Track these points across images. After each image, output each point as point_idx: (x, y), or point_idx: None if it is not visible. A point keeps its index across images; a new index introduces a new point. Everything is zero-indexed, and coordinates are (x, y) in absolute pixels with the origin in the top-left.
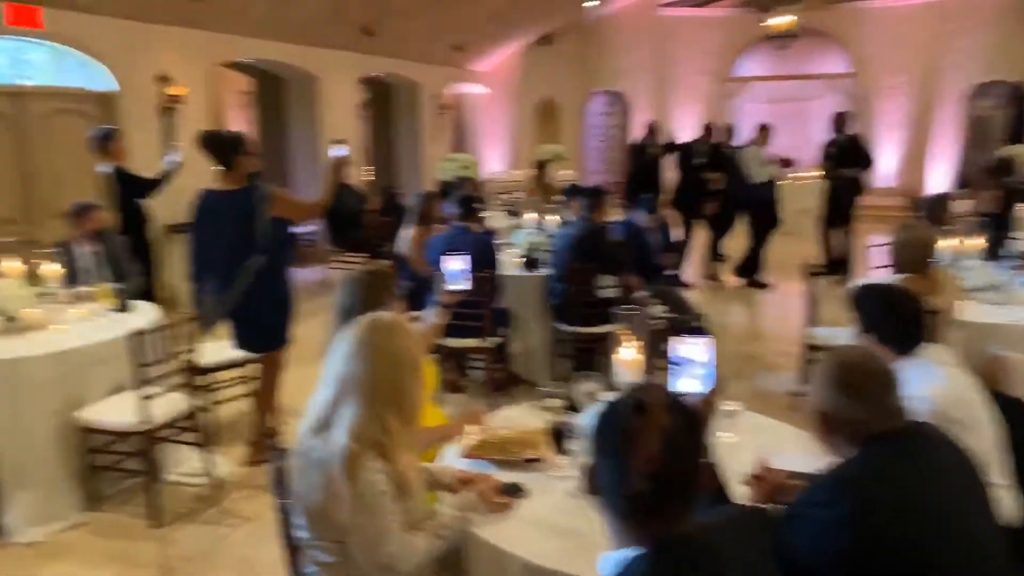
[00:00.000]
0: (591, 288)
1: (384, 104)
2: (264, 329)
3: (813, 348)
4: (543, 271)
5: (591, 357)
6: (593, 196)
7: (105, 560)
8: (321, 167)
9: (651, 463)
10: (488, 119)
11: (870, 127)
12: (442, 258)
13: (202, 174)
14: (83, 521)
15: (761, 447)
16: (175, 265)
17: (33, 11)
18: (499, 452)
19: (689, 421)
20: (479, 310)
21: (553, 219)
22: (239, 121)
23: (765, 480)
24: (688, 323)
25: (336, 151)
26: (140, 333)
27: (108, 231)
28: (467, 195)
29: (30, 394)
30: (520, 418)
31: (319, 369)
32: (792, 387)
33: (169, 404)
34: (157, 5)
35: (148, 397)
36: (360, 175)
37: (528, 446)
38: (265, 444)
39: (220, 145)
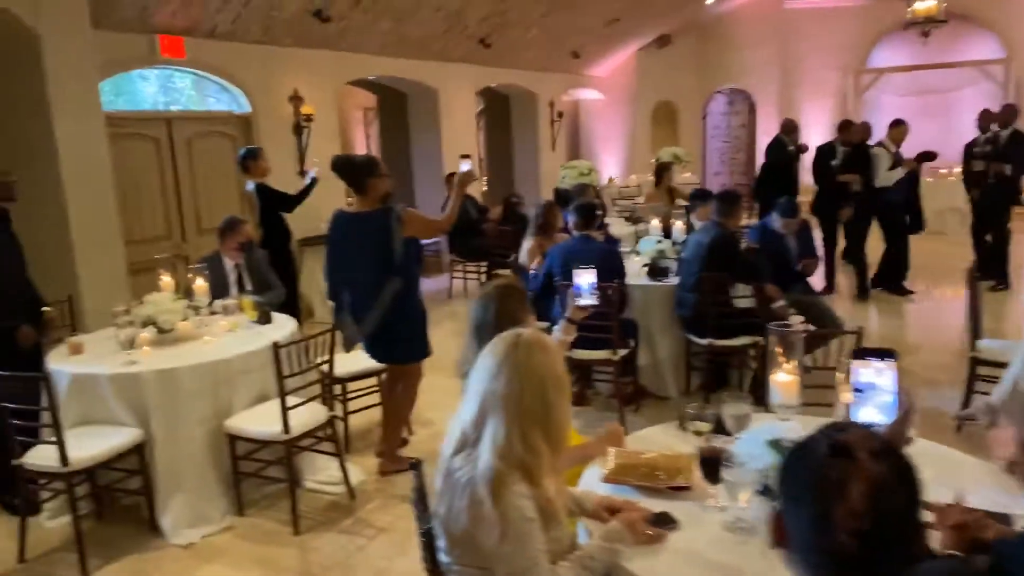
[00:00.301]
0: (726, 298)
1: (501, 113)
2: (404, 343)
3: (979, 363)
4: (671, 280)
5: (724, 370)
6: (726, 200)
7: (252, 564)
8: (443, 176)
9: (857, 517)
10: (604, 124)
11: None
12: (573, 272)
13: (333, 190)
14: (230, 525)
15: (938, 481)
16: (310, 277)
17: (179, 41)
18: (643, 477)
19: (900, 466)
20: (607, 321)
21: (679, 226)
22: (363, 136)
23: (960, 523)
24: (834, 335)
25: (463, 166)
26: (281, 346)
27: (252, 245)
28: (586, 203)
29: (185, 403)
30: (661, 439)
31: (443, 379)
32: (959, 408)
33: (308, 414)
34: (288, 30)
35: (289, 408)
36: (479, 185)
37: (674, 472)
38: (397, 456)
39: (352, 169)
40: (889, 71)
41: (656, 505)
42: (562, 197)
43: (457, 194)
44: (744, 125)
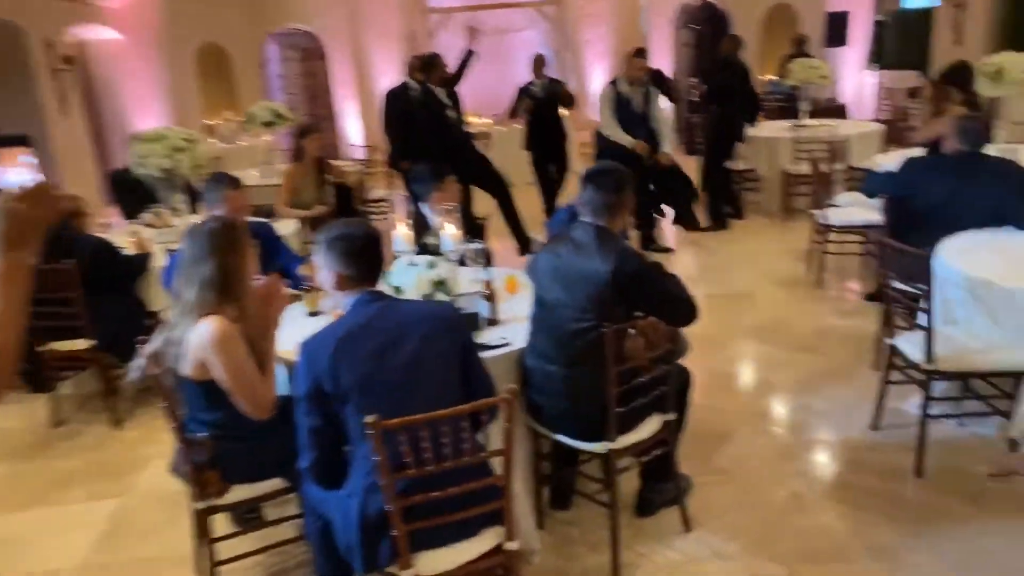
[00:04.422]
0: (638, 365)
1: None
2: None
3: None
4: (491, 338)
5: (574, 472)
6: (613, 184)
7: None
8: None
9: None
10: (129, 74)
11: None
12: None
13: None
14: None
15: None
16: None
17: None
18: None
19: None
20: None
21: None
22: None
23: None
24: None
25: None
26: None
27: None
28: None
29: None
30: None
31: None
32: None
33: None
34: None
35: None
36: None
37: None
38: None
39: None
40: (454, 11)
41: None
42: (130, 187)
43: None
44: (314, 74)
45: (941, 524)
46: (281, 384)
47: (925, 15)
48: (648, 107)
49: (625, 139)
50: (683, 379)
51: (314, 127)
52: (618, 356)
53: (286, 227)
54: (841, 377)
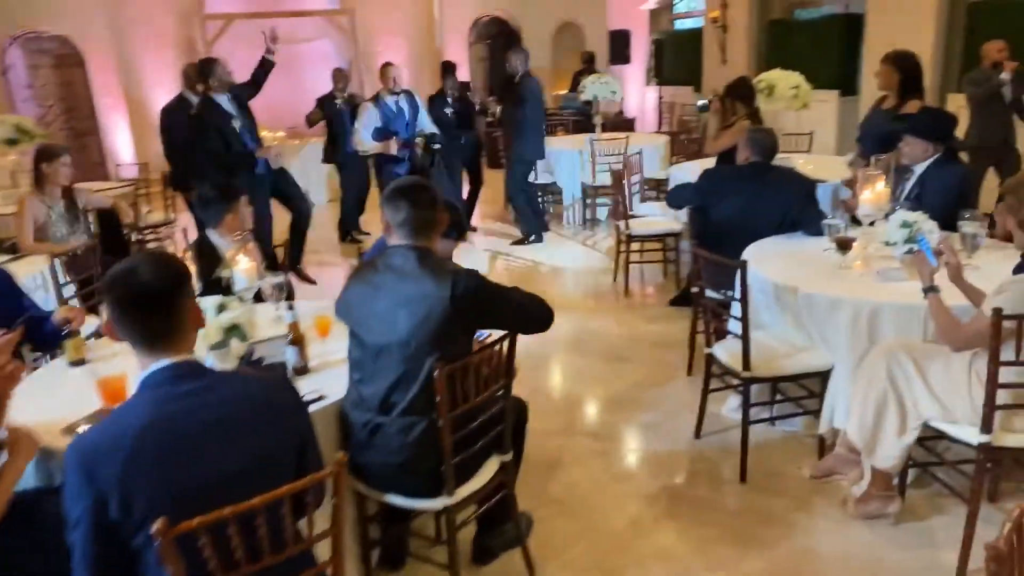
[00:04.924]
0: (485, 400)
1: None
2: None
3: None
4: (310, 389)
5: (406, 535)
6: (420, 198)
7: None
8: None
9: None
10: None
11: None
12: None
13: None
14: None
15: None
16: None
17: None
18: None
19: None
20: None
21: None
22: None
23: None
24: None
25: None
26: None
27: None
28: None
29: None
30: None
31: None
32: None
33: None
34: None
35: None
36: None
37: None
38: None
39: None
40: (236, 17)
41: None
42: None
43: None
44: (71, 83)
45: (771, 528)
46: (26, 476)
47: (694, 35)
48: (415, 113)
49: (373, 145)
50: (520, 412)
51: (58, 150)
52: (453, 399)
53: (36, 266)
54: (658, 385)
